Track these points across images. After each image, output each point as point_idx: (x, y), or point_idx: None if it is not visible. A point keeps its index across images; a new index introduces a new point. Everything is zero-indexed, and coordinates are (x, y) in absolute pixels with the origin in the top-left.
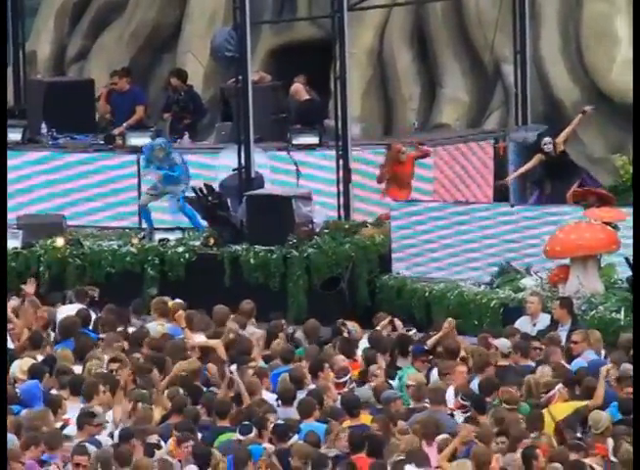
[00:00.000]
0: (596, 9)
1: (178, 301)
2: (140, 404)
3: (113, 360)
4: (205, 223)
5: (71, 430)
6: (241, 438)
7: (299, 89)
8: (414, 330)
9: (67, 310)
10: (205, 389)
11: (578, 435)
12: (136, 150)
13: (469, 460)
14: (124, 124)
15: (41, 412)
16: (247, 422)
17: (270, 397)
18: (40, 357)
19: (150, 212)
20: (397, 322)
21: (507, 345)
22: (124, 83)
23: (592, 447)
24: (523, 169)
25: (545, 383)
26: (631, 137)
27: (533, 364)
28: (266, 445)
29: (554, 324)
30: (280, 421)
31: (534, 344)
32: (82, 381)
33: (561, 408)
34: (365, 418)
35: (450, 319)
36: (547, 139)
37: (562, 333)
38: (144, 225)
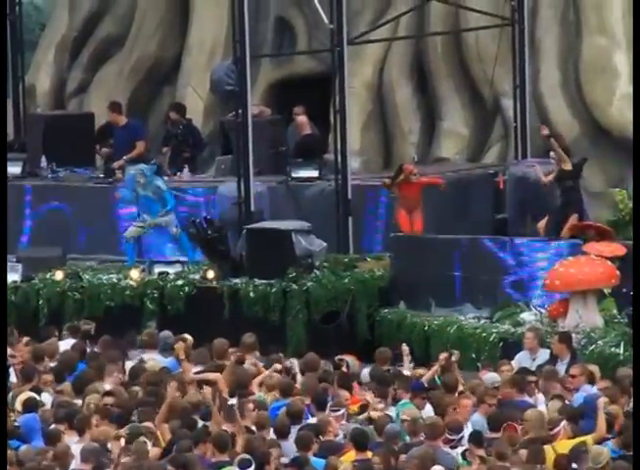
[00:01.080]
0: (595, 43)
1: (186, 336)
2: (136, 439)
3: (108, 394)
4: (199, 256)
5: (74, 464)
6: None
7: (304, 123)
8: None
9: (63, 346)
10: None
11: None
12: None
13: None
14: (124, 158)
15: (41, 450)
16: (246, 456)
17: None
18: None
19: (134, 246)
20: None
21: (496, 379)
22: (117, 117)
23: None
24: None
25: (550, 419)
26: (630, 171)
27: (530, 399)
28: None
29: (553, 359)
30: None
31: (531, 378)
32: (77, 414)
33: (565, 445)
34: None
35: (445, 354)
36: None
37: (561, 367)
38: (144, 256)
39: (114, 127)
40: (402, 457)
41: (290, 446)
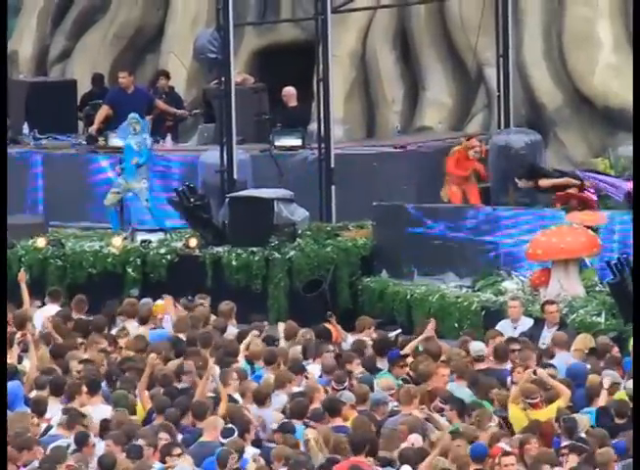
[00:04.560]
0: (579, 13)
1: (162, 302)
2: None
3: (85, 361)
4: (169, 225)
5: (55, 431)
6: (222, 440)
7: (292, 94)
8: (399, 330)
9: (47, 311)
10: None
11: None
12: (118, 150)
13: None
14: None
15: (25, 415)
16: (229, 425)
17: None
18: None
19: (117, 213)
20: None
21: (482, 348)
22: (131, 82)
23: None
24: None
25: (527, 389)
26: (612, 141)
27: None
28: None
29: (537, 327)
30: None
31: (514, 346)
32: (64, 382)
33: (543, 413)
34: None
35: (432, 322)
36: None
37: (547, 335)
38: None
39: (113, 91)
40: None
41: (270, 415)
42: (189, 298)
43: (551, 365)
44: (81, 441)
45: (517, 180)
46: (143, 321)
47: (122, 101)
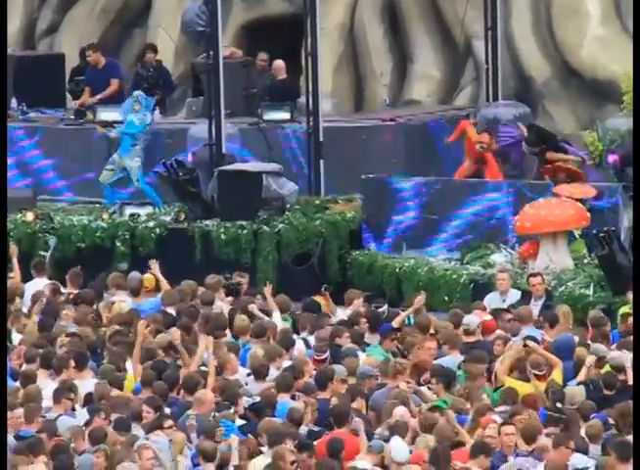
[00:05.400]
0: None
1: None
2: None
3: (72, 335)
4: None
5: (45, 404)
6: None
7: (281, 67)
8: (385, 306)
9: (36, 285)
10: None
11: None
12: (106, 124)
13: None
14: (97, 97)
15: (13, 389)
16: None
17: (240, 371)
18: (13, 330)
19: (112, 189)
20: None
21: (475, 321)
22: (100, 58)
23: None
24: None
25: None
26: (601, 113)
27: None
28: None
29: (525, 299)
30: (255, 397)
31: (507, 316)
32: (53, 355)
33: (526, 387)
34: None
35: (421, 296)
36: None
37: (535, 307)
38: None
39: (87, 68)
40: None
41: (256, 388)
42: (226, 275)
43: (533, 338)
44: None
45: (525, 143)
46: (135, 293)
47: (94, 77)
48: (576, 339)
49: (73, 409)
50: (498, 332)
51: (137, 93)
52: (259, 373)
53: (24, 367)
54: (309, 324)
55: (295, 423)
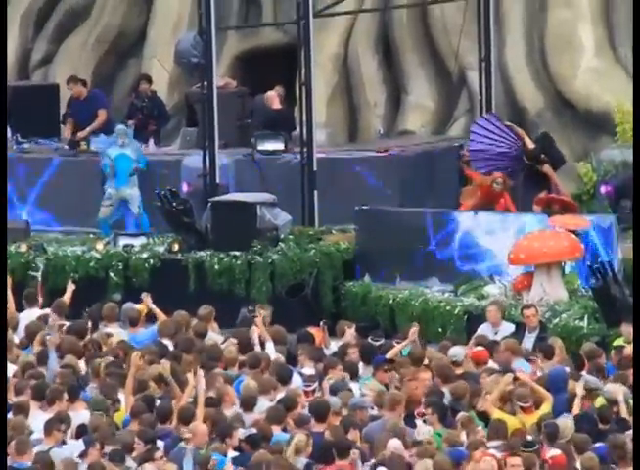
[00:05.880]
0: (560, 16)
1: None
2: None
3: (64, 367)
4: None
5: (36, 436)
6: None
7: (273, 97)
8: (382, 340)
9: (28, 315)
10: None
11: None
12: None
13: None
14: (87, 129)
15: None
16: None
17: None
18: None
19: (109, 224)
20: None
21: (461, 353)
22: (81, 89)
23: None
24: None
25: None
26: (594, 145)
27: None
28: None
29: (519, 332)
30: (250, 429)
31: (501, 348)
32: (46, 387)
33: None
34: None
35: (414, 328)
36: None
37: (529, 340)
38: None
39: (71, 101)
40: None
41: (249, 419)
42: (249, 308)
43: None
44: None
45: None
46: (133, 323)
47: (78, 109)
48: (569, 371)
49: (64, 442)
50: (490, 364)
51: (119, 127)
52: (247, 404)
53: (15, 399)
54: (304, 356)
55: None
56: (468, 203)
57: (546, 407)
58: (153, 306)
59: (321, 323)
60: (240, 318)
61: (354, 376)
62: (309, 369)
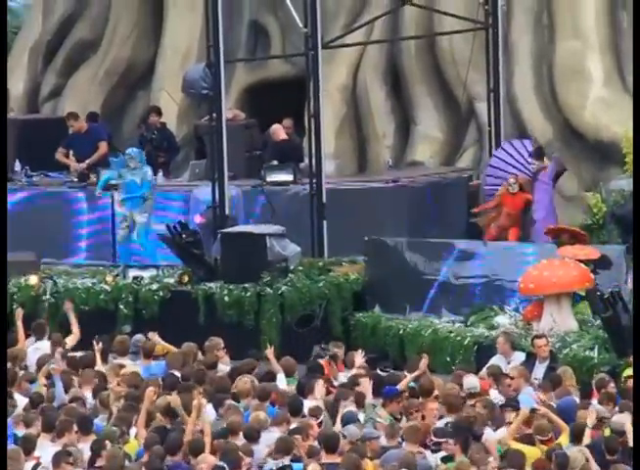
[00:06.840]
0: (568, 47)
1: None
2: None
3: (74, 399)
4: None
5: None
6: None
7: (278, 129)
8: (391, 370)
9: (37, 348)
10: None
11: None
12: (109, 187)
13: None
14: (87, 161)
15: (13, 452)
16: (220, 462)
17: None
18: (16, 393)
19: (129, 249)
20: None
21: (475, 384)
22: (82, 124)
23: None
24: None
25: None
26: (604, 175)
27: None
28: None
29: (530, 361)
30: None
31: (506, 380)
32: (55, 419)
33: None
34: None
35: (424, 359)
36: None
37: (539, 369)
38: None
39: (72, 135)
40: (377, 461)
41: (260, 451)
42: (322, 346)
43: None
44: None
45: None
46: (147, 356)
47: (79, 143)
48: (578, 401)
49: None
50: (493, 394)
51: (129, 151)
52: (250, 436)
53: (24, 431)
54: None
55: None
56: (492, 231)
57: (564, 439)
58: (161, 341)
59: (326, 358)
60: (313, 356)
61: (361, 406)
62: (313, 401)
